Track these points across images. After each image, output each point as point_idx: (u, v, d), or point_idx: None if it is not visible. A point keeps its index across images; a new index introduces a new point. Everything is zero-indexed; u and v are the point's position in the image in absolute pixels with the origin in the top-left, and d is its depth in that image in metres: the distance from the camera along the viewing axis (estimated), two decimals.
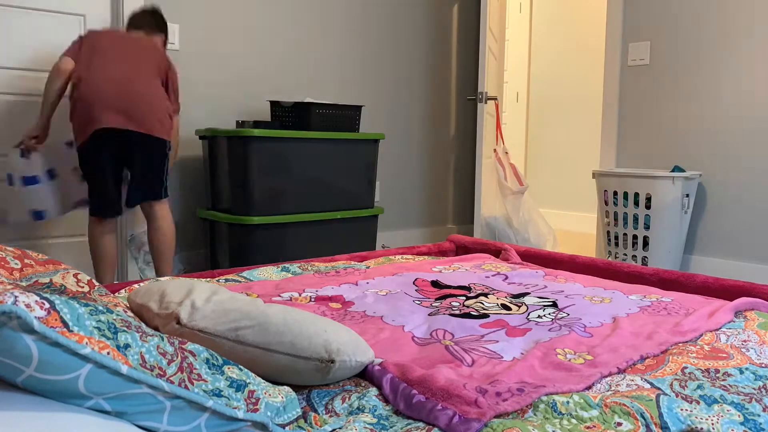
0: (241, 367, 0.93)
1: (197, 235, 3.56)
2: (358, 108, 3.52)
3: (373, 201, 3.59)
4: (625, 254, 3.54)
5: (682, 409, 0.98)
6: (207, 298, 1.19)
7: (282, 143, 3.15)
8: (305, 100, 3.37)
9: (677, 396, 1.02)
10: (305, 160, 3.25)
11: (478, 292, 1.72)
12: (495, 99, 4.19)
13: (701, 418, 0.96)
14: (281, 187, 3.18)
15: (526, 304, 1.60)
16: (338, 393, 1.06)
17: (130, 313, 1.03)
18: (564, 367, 1.17)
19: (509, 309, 1.56)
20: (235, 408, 0.83)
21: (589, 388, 1.10)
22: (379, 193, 4.33)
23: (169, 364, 0.81)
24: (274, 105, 3.43)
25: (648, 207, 3.41)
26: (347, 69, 4.11)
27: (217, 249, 3.29)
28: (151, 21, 2.95)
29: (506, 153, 4.23)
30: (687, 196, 3.43)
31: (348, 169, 3.44)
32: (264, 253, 3.14)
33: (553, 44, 5.72)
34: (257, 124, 3.27)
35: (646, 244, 3.45)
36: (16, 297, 0.71)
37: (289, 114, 3.38)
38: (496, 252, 2.42)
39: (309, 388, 1.07)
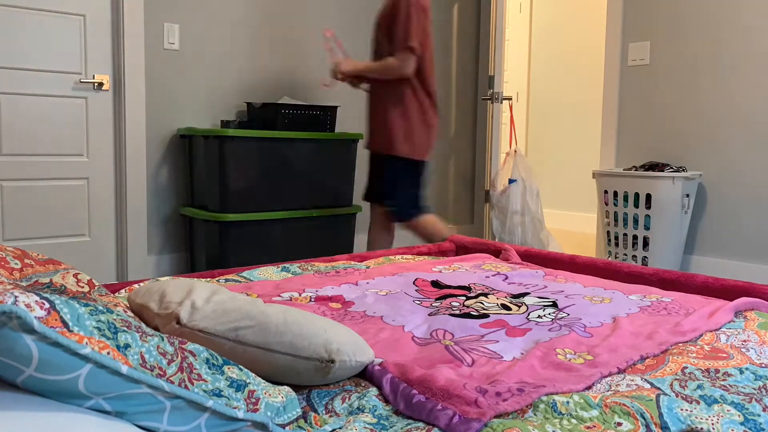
0: (241, 367, 0.93)
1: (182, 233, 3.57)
2: (333, 108, 3.54)
3: (351, 199, 3.62)
4: (625, 254, 3.54)
5: (682, 409, 0.98)
6: (207, 298, 1.19)
7: (256, 142, 3.21)
8: (281, 101, 3.42)
9: (677, 396, 1.02)
10: (279, 159, 3.31)
11: (478, 292, 1.72)
12: (509, 99, 4.19)
13: (701, 418, 0.96)
14: (256, 185, 3.24)
15: (526, 304, 1.60)
16: (338, 393, 1.06)
17: (130, 313, 1.03)
18: (564, 367, 1.17)
19: (509, 309, 1.56)
20: (235, 408, 0.83)
21: (589, 388, 1.10)
22: None
23: (169, 364, 0.81)
24: (249, 106, 3.51)
25: (648, 207, 3.41)
26: None
27: (194, 245, 3.36)
28: None
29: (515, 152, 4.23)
30: (687, 196, 3.43)
31: (324, 168, 3.49)
32: (240, 249, 3.18)
33: (553, 44, 5.72)
34: (241, 124, 3.36)
35: (646, 244, 3.45)
36: (16, 297, 0.71)
37: (260, 114, 3.45)
38: (496, 252, 2.42)
39: (309, 388, 1.07)
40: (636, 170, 3.57)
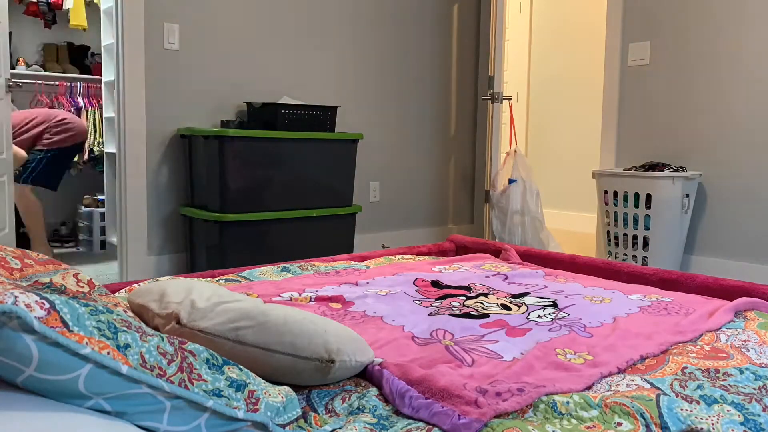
0: (241, 367, 0.93)
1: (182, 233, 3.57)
2: (333, 108, 3.54)
3: (351, 199, 3.62)
4: (625, 254, 3.54)
5: (682, 409, 0.98)
6: (207, 298, 1.19)
7: (256, 142, 3.22)
8: (281, 101, 3.42)
9: (677, 396, 1.02)
10: (279, 159, 3.32)
11: (478, 292, 1.72)
12: (509, 99, 4.19)
13: (701, 418, 0.96)
14: (256, 185, 3.25)
15: (526, 304, 1.60)
16: (338, 393, 1.06)
17: (130, 313, 1.03)
18: (564, 367, 1.17)
19: (509, 309, 1.56)
20: (235, 408, 0.83)
21: (589, 388, 1.10)
22: (379, 193, 4.33)
23: (169, 364, 0.81)
24: (249, 106, 3.51)
25: (648, 207, 3.41)
26: (348, 70, 4.11)
27: (194, 245, 3.38)
28: None
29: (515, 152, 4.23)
30: (687, 196, 3.43)
31: (324, 168, 3.50)
32: (239, 249, 3.19)
33: (553, 44, 5.72)
34: (241, 124, 3.37)
35: (646, 244, 3.45)
36: (16, 297, 0.71)
37: (260, 114, 3.45)
38: (496, 252, 2.42)
39: (309, 388, 1.07)
40: (636, 170, 3.57)
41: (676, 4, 3.63)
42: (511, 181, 4.14)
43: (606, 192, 3.62)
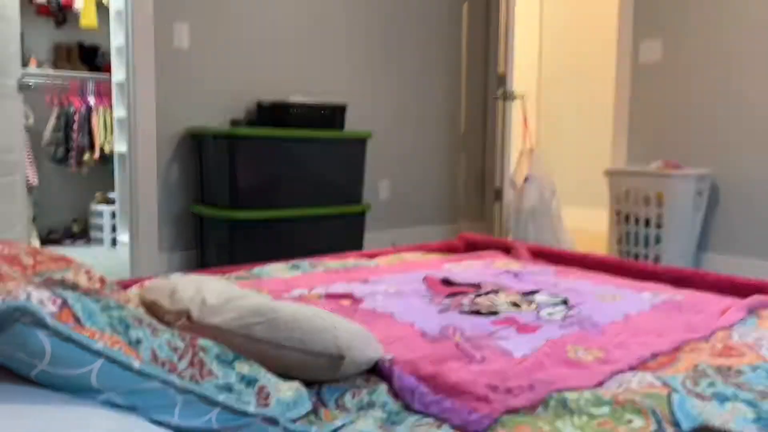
0: (252, 362, 0.94)
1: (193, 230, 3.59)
2: (342, 107, 3.54)
3: (360, 197, 3.62)
4: (638, 252, 3.52)
5: (694, 407, 0.97)
6: (217, 294, 1.20)
7: (265, 141, 3.22)
8: (291, 99, 3.43)
9: (689, 393, 1.01)
10: (288, 157, 3.32)
11: (489, 289, 1.72)
12: (521, 97, 4.19)
13: (713, 416, 0.95)
14: (266, 183, 3.25)
15: (536, 302, 1.59)
16: (349, 388, 1.06)
17: (141, 310, 1.03)
18: (575, 364, 1.17)
19: (520, 306, 1.55)
20: (246, 403, 0.84)
21: (600, 385, 1.09)
22: (389, 191, 4.33)
23: (180, 359, 0.81)
24: (259, 104, 3.52)
25: (660, 205, 3.39)
26: (358, 68, 4.11)
27: (205, 242, 3.40)
28: None
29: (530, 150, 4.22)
30: (700, 194, 3.41)
31: (334, 166, 3.50)
32: (250, 246, 3.20)
33: (564, 42, 5.70)
34: (251, 123, 3.40)
35: (658, 242, 3.43)
36: (29, 293, 0.72)
37: (270, 113, 3.45)
38: (507, 249, 2.42)
39: (320, 383, 1.08)
40: (648, 168, 3.55)
41: (687, 1, 3.61)
42: (526, 179, 4.12)
43: (618, 190, 3.60)
